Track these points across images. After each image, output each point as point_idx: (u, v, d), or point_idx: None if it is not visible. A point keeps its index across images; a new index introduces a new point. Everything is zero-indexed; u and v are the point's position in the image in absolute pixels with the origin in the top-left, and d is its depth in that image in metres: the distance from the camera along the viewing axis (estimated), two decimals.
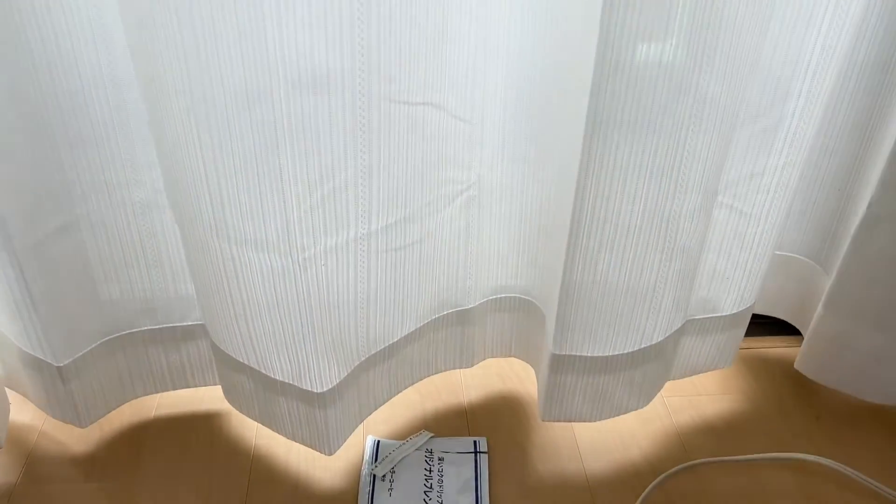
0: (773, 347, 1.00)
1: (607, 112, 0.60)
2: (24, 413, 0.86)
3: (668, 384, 0.86)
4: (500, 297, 0.84)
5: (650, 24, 0.55)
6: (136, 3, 0.54)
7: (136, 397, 0.83)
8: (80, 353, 0.75)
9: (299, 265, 0.62)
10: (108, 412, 0.81)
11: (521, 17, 0.65)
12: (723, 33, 0.57)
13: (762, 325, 0.98)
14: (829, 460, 0.82)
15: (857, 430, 0.87)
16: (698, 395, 0.92)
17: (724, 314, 0.82)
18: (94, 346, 0.76)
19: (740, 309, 0.82)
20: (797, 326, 0.94)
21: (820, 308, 0.83)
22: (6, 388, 0.81)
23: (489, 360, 0.90)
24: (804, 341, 0.87)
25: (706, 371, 0.88)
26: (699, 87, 0.60)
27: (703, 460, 0.83)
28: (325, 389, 0.70)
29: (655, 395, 0.83)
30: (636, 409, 0.81)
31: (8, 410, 0.80)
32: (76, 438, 0.84)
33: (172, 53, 0.54)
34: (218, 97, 0.55)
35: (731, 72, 0.61)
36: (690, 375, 0.88)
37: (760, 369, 0.96)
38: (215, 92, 0.54)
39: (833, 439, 0.86)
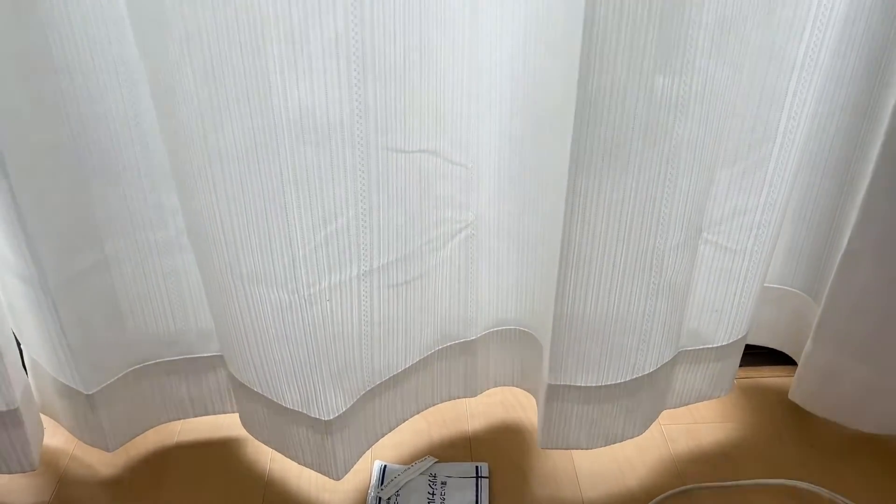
0: (770, 377, 1.02)
1: (589, 155, 0.64)
2: (57, 437, 0.92)
3: (665, 413, 0.89)
4: (501, 330, 0.88)
5: (625, 73, 0.60)
6: (158, 66, 0.61)
7: (160, 423, 0.88)
8: (108, 382, 0.80)
9: (305, 300, 0.68)
10: (134, 437, 0.87)
11: (511, 67, 0.70)
12: (695, 81, 0.62)
13: (760, 354, 1.01)
14: (821, 488, 0.84)
15: (851, 459, 0.90)
16: (695, 423, 0.95)
17: (716, 345, 0.85)
18: (121, 375, 0.81)
19: (732, 340, 0.85)
20: (792, 356, 0.96)
21: (810, 339, 0.86)
22: (41, 414, 0.87)
23: (494, 389, 0.94)
24: (797, 372, 0.90)
25: (702, 400, 0.91)
26: (675, 131, 0.64)
27: (696, 485, 0.85)
28: (332, 417, 0.75)
29: (651, 423, 0.86)
30: (631, 438, 0.85)
31: (42, 435, 0.86)
32: (104, 462, 0.89)
33: (191, 109, 0.60)
34: (230, 148, 0.60)
35: (706, 117, 0.65)
36: (687, 404, 0.90)
37: (757, 398, 0.99)
38: (227, 143, 0.60)
39: (827, 467, 0.88)
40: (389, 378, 0.81)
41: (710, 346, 0.85)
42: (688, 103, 0.63)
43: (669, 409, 0.89)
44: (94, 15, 0.63)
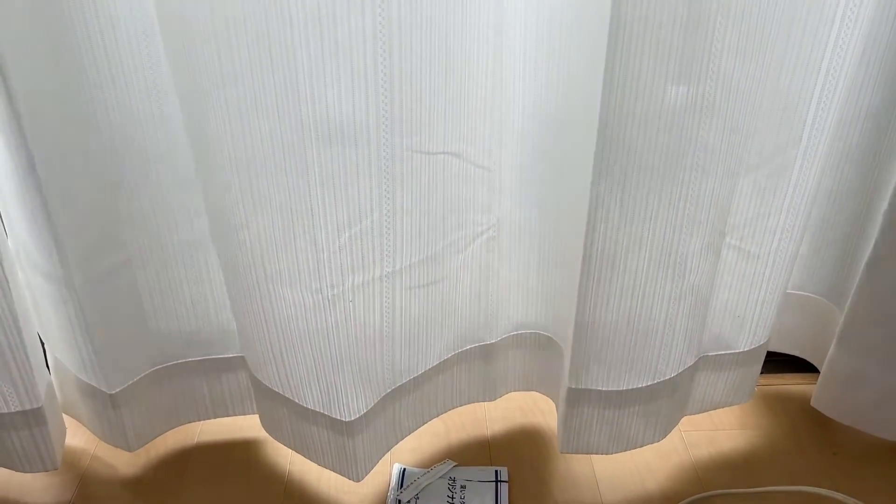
0: (791, 384, 1.02)
1: (612, 159, 0.64)
2: (79, 437, 0.93)
3: (685, 419, 0.89)
4: (521, 333, 0.88)
5: (650, 77, 0.60)
6: (185, 70, 0.62)
7: (181, 424, 0.89)
8: (131, 382, 0.81)
9: (329, 301, 0.68)
10: (155, 438, 0.87)
11: (535, 72, 0.70)
12: (720, 84, 0.62)
13: (781, 361, 1.00)
14: (843, 495, 0.83)
15: (874, 467, 0.89)
16: (716, 429, 0.94)
17: (737, 351, 0.85)
18: (143, 375, 0.82)
19: (754, 346, 0.85)
20: (814, 363, 0.96)
21: (833, 346, 0.85)
22: (63, 414, 0.88)
23: (513, 394, 0.93)
24: (819, 378, 0.89)
25: (723, 406, 0.90)
26: (699, 135, 0.64)
27: (717, 492, 0.85)
28: (353, 418, 0.75)
29: (671, 429, 0.86)
30: (652, 443, 0.84)
31: (64, 434, 0.86)
32: (125, 462, 0.90)
33: (219, 111, 0.61)
34: (257, 150, 0.61)
35: (730, 120, 0.65)
36: (708, 410, 0.90)
37: (778, 405, 0.98)
38: (255, 145, 0.61)
39: (849, 475, 0.88)
40: (410, 380, 0.81)
41: (732, 351, 0.85)
42: (712, 107, 0.63)
43: (690, 414, 0.89)
44: (123, 20, 0.64)
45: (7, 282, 0.69)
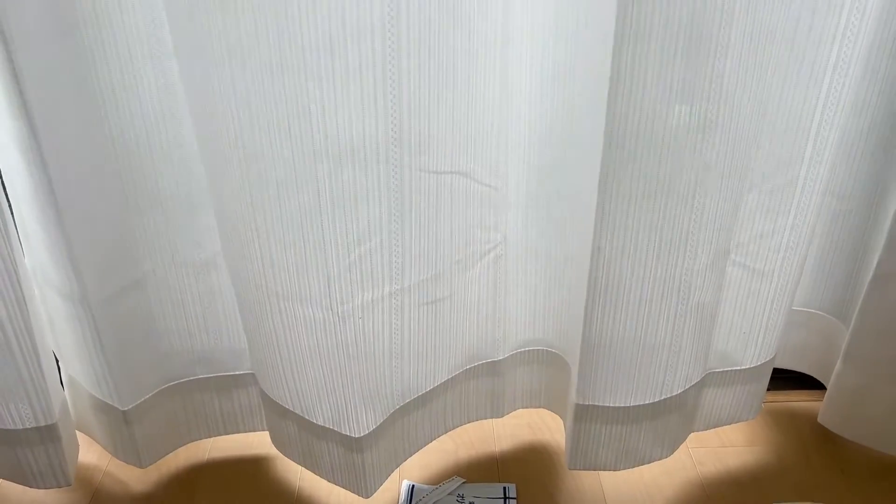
0: (799, 401, 1.02)
1: (617, 178, 0.65)
2: (91, 454, 0.93)
3: (693, 436, 0.89)
4: (529, 350, 0.89)
5: (652, 97, 0.61)
6: (199, 94, 0.63)
7: (192, 441, 0.90)
8: (143, 399, 0.82)
9: (339, 318, 0.69)
10: (167, 454, 0.88)
11: (541, 94, 0.72)
12: (723, 103, 0.63)
13: (787, 378, 1.01)
14: None
15: (882, 484, 0.89)
16: (723, 446, 0.94)
17: (744, 367, 0.85)
18: (155, 392, 0.83)
19: (760, 362, 0.85)
20: (821, 380, 0.96)
21: (839, 362, 0.86)
22: (76, 430, 0.88)
23: (521, 411, 0.94)
24: (826, 395, 0.89)
25: (730, 423, 0.90)
26: (703, 153, 0.65)
27: None
28: (362, 434, 0.76)
29: (678, 445, 0.86)
30: (659, 459, 0.85)
31: (77, 451, 0.87)
32: (136, 478, 0.91)
33: (232, 135, 0.62)
34: (269, 172, 0.62)
35: (733, 138, 0.66)
36: (715, 427, 0.90)
37: (786, 422, 0.98)
38: (267, 167, 0.62)
39: (857, 492, 0.87)
40: (418, 397, 0.81)
41: (739, 368, 0.85)
42: (715, 125, 0.64)
43: (697, 431, 0.89)
44: (139, 45, 0.66)
45: (24, 299, 0.71)
